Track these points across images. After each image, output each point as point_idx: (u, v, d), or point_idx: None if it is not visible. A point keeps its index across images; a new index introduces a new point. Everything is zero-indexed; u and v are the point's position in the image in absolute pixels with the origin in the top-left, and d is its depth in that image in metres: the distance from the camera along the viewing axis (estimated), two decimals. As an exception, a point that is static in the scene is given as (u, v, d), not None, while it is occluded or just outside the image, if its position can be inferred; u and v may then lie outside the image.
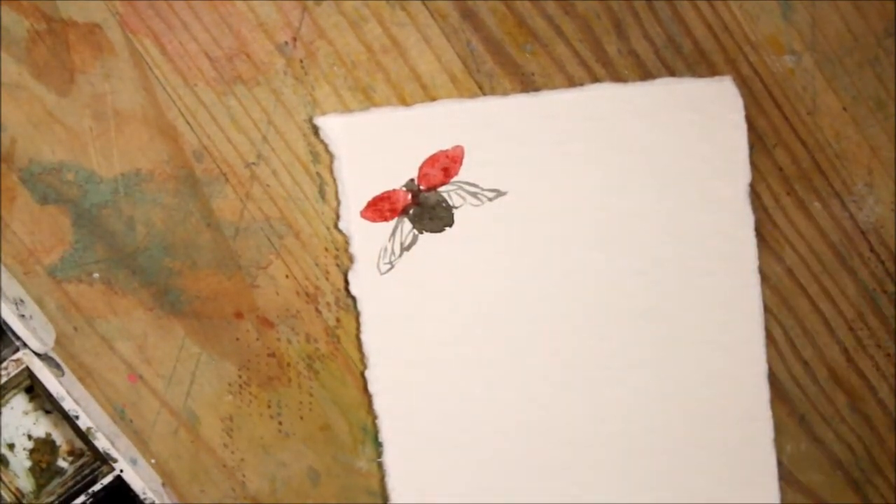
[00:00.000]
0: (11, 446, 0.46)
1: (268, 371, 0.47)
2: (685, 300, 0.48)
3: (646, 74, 0.48)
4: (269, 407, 0.47)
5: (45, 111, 0.45)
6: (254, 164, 0.46)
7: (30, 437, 0.46)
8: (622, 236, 0.48)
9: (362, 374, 0.47)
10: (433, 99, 0.47)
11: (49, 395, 0.43)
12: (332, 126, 0.46)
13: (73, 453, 0.46)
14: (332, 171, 0.46)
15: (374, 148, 0.46)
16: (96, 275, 0.46)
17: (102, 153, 0.45)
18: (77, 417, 0.43)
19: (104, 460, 0.44)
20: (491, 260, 0.47)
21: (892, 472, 0.50)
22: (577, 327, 0.48)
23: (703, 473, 0.48)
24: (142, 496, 0.44)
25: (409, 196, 0.47)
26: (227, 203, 0.46)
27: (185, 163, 0.46)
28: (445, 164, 0.47)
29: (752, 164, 0.48)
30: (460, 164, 0.47)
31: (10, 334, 0.43)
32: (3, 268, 0.45)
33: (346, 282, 0.47)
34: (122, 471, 0.44)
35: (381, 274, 0.47)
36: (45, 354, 0.44)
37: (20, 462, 0.46)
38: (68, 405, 0.43)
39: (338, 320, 0.47)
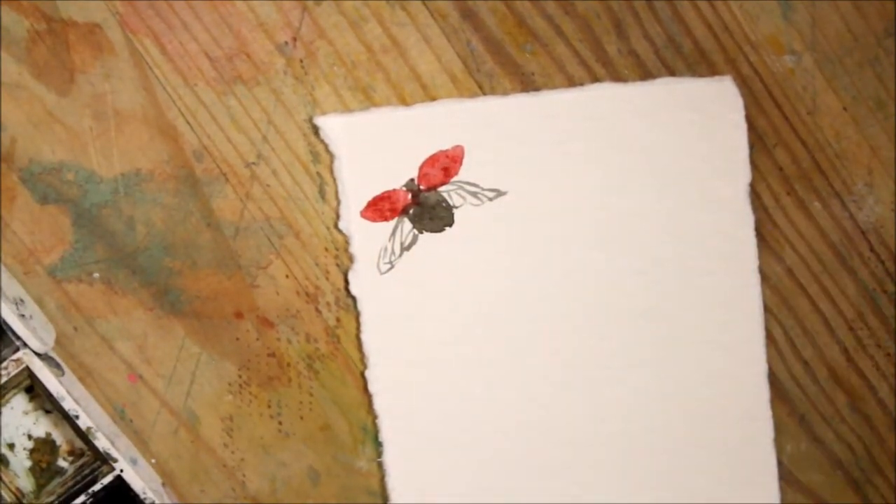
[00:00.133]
0: (11, 446, 0.46)
1: (268, 371, 0.47)
2: (685, 300, 0.48)
3: (646, 74, 0.48)
4: (269, 407, 0.47)
5: (45, 111, 0.45)
6: (254, 163, 0.46)
7: (30, 436, 0.46)
8: (622, 236, 0.48)
9: (362, 374, 0.47)
10: (433, 99, 0.47)
11: (49, 395, 0.43)
12: (332, 126, 0.46)
13: (74, 453, 0.46)
14: (332, 171, 0.46)
15: (374, 148, 0.46)
16: (96, 275, 0.46)
17: (102, 153, 0.45)
18: (77, 417, 0.43)
19: (104, 460, 0.44)
20: (491, 260, 0.47)
21: (892, 471, 0.50)
22: (577, 327, 0.48)
23: (703, 473, 0.48)
24: (142, 496, 0.44)
25: (410, 196, 0.47)
26: (227, 203, 0.46)
27: (186, 163, 0.46)
28: (445, 164, 0.47)
29: (753, 164, 0.48)
30: (460, 163, 0.47)
31: (10, 334, 0.43)
32: (3, 267, 0.45)
33: (346, 282, 0.47)
34: (122, 471, 0.44)
35: (381, 274, 0.47)
36: (46, 354, 0.44)
37: (20, 462, 0.46)
38: (68, 405, 0.43)
39: (338, 320, 0.47)
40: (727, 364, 0.48)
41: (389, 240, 0.46)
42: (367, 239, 0.46)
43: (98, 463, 0.45)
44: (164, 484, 0.46)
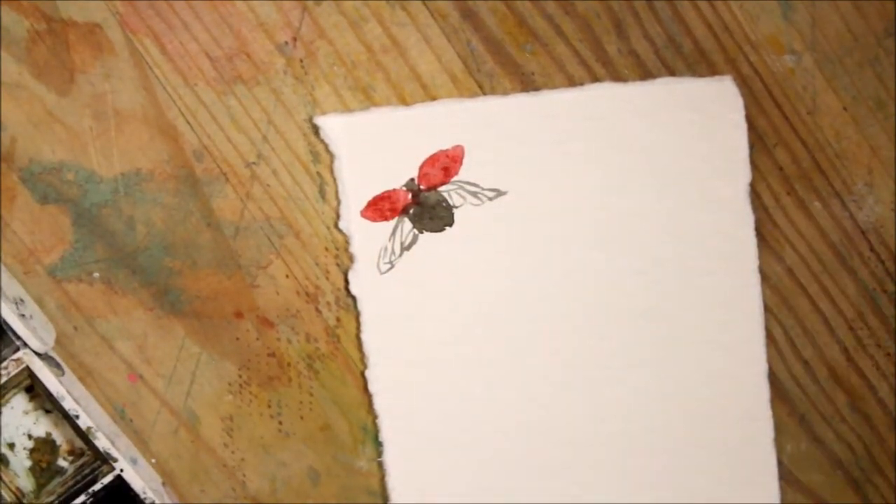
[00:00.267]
0: (12, 446, 0.46)
1: (268, 371, 0.47)
2: (685, 300, 0.48)
3: (646, 74, 0.48)
4: (269, 407, 0.47)
5: (45, 111, 0.45)
6: (254, 163, 0.46)
7: (30, 436, 0.46)
8: (622, 236, 0.48)
9: (362, 374, 0.47)
10: (433, 99, 0.47)
11: (49, 395, 0.43)
12: (333, 126, 0.46)
13: (74, 453, 0.46)
14: (332, 171, 0.46)
15: (374, 147, 0.46)
16: (96, 274, 0.46)
17: (102, 153, 0.45)
18: (77, 417, 0.43)
19: (104, 460, 0.44)
20: (491, 259, 0.47)
21: (892, 471, 0.50)
22: (577, 327, 0.48)
23: (703, 473, 0.48)
24: (142, 496, 0.44)
25: (410, 196, 0.47)
26: (227, 203, 0.46)
27: (186, 162, 0.46)
28: (446, 164, 0.47)
29: (753, 164, 0.48)
30: (460, 163, 0.47)
31: (10, 334, 0.43)
32: (3, 267, 0.45)
33: (347, 281, 0.47)
34: (122, 470, 0.44)
35: (382, 273, 0.47)
36: (46, 354, 0.44)
37: (20, 461, 0.46)
38: (68, 405, 0.43)
39: (338, 320, 0.47)
40: (727, 364, 0.48)
41: (389, 239, 0.46)
42: (368, 239, 0.46)
43: (98, 463, 0.45)
44: (164, 484, 0.46)
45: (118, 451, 0.44)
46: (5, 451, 0.46)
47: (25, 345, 0.43)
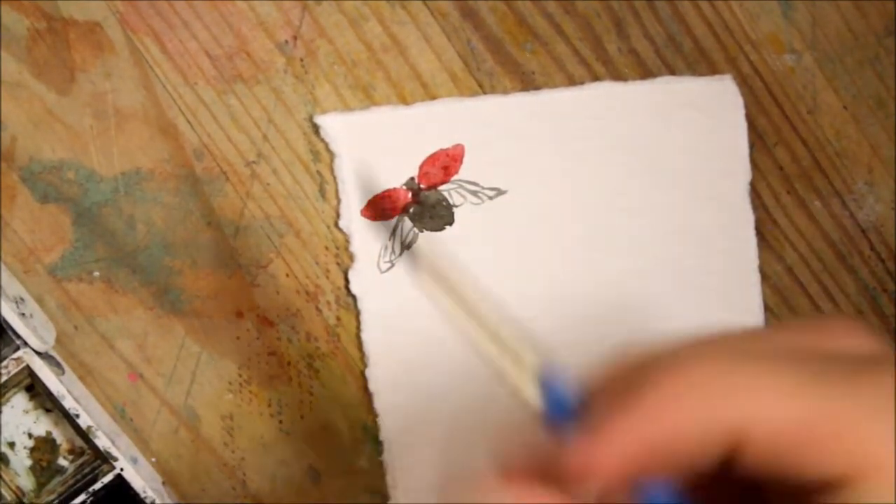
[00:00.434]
0: (12, 445, 0.46)
1: (268, 370, 0.47)
2: (685, 299, 0.48)
3: (646, 73, 0.48)
4: (269, 406, 0.47)
5: (45, 110, 0.45)
6: (254, 162, 0.46)
7: (30, 435, 0.46)
8: (622, 235, 0.48)
9: (363, 373, 0.47)
10: (433, 97, 0.47)
11: (49, 394, 0.43)
12: (333, 124, 0.46)
13: (74, 452, 0.46)
14: (332, 170, 0.46)
15: (374, 146, 0.46)
16: (96, 273, 0.46)
17: (103, 152, 0.45)
18: (77, 416, 0.43)
19: (105, 459, 0.44)
20: (491, 258, 0.47)
21: (892, 470, 0.50)
22: (578, 326, 0.48)
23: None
24: (142, 495, 0.44)
25: (410, 194, 0.47)
26: (227, 202, 0.46)
27: (186, 161, 0.46)
28: (446, 163, 0.47)
29: (753, 163, 0.48)
30: (461, 162, 0.47)
31: (10, 333, 0.43)
32: (3, 266, 0.45)
33: (347, 280, 0.47)
34: (122, 469, 0.44)
35: (382, 272, 0.47)
36: (46, 353, 0.44)
37: (21, 460, 0.46)
38: (69, 404, 0.43)
39: (338, 319, 0.47)
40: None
41: (390, 238, 0.46)
42: (368, 238, 0.46)
43: (98, 462, 0.45)
44: (164, 483, 0.46)
45: (118, 450, 0.44)
46: (5, 449, 0.46)
47: (26, 344, 0.43)
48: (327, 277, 0.47)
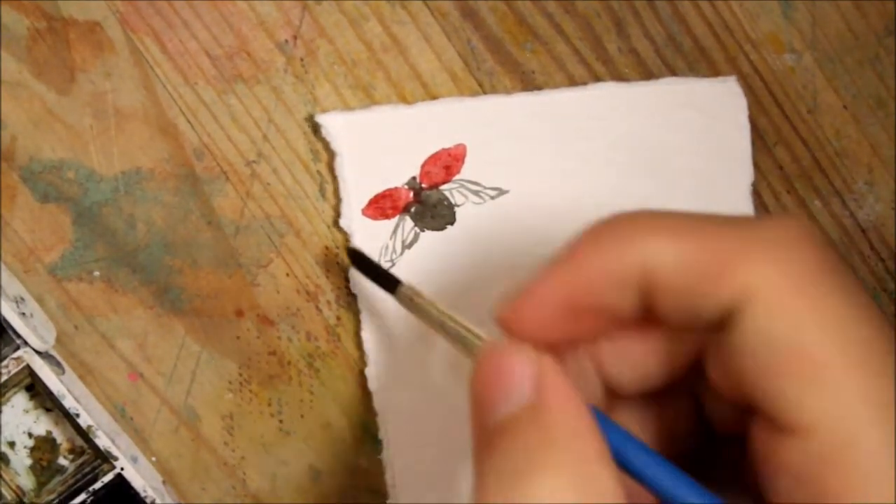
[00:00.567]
0: (12, 444, 0.46)
1: (268, 369, 0.47)
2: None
3: (646, 73, 0.48)
4: (269, 405, 0.47)
5: (45, 109, 0.45)
6: (254, 162, 0.46)
7: (30, 435, 0.46)
8: (623, 235, 0.48)
9: (363, 373, 0.47)
10: (433, 97, 0.47)
11: (49, 394, 0.43)
12: (334, 123, 0.46)
13: (74, 451, 0.46)
14: (332, 170, 0.46)
15: (375, 145, 0.46)
16: (97, 273, 0.46)
17: (103, 151, 0.45)
18: (77, 415, 0.43)
19: (105, 458, 0.44)
20: (492, 258, 0.47)
21: (891, 470, 0.50)
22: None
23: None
24: (142, 494, 0.44)
25: (411, 194, 0.47)
26: (227, 201, 0.46)
27: (186, 161, 0.46)
28: (447, 163, 0.47)
29: (753, 163, 0.48)
30: (462, 162, 0.47)
31: (10, 332, 0.43)
32: (3, 266, 0.45)
33: (347, 280, 0.47)
34: (122, 469, 0.44)
35: (382, 272, 0.47)
36: (46, 353, 0.44)
37: (21, 460, 0.46)
38: (69, 403, 0.43)
39: (338, 318, 0.47)
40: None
41: (391, 238, 0.46)
42: (368, 237, 0.46)
43: (98, 461, 0.45)
44: (164, 482, 0.46)
45: (118, 449, 0.44)
46: (6, 449, 0.46)
47: (26, 343, 0.43)
48: (327, 277, 0.47)
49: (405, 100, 0.47)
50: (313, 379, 0.47)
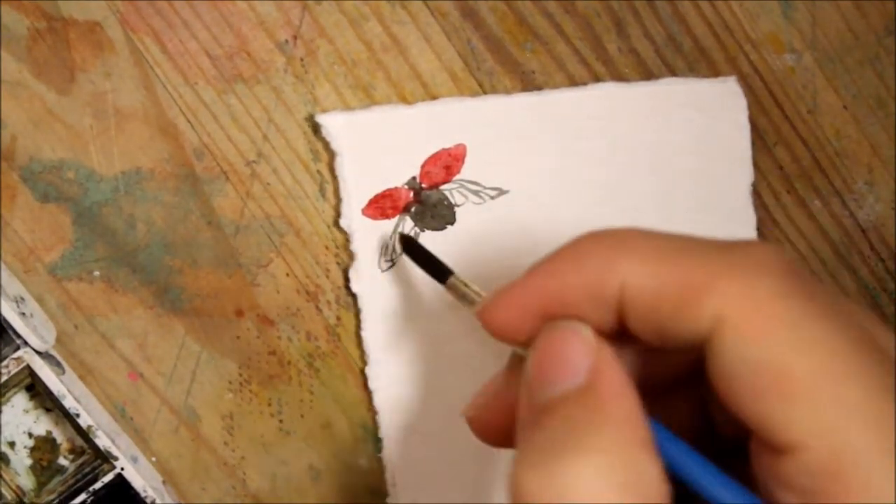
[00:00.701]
0: (12, 444, 0.46)
1: (268, 369, 0.47)
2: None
3: (646, 73, 0.48)
4: (269, 405, 0.47)
5: (45, 109, 0.45)
6: (254, 162, 0.46)
7: (30, 435, 0.46)
8: (623, 235, 0.48)
9: (363, 372, 0.47)
10: (433, 97, 0.47)
11: (50, 394, 0.43)
12: (334, 123, 0.46)
13: (74, 451, 0.46)
14: (332, 170, 0.46)
15: (375, 145, 0.46)
16: (97, 273, 0.46)
17: (103, 151, 0.45)
18: (78, 415, 0.43)
19: (105, 458, 0.44)
20: (493, 258, 0.47)
21: (891, 469, 0.50)
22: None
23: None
24: (142, 494, 0.44)
25: (411, 194, 0.47)
26: (227, 201, 0.46)
27: (186, 161, 0.46)
28: (447, 163, 0.47)
29: (753, 163, 0.48)
30: (462, 162, 0.47)
31: (10, 332, 0.43)
32: (3, 266, 0.45)
33: (347, 279, 0.47)
34: (122, 469, 0.44)
35: (382, 271, 0.47)
36: (46, 353, 0.44)
37: (21, 460, 0.46)
38: (69, 403, 0.43)
39: (338, 318, 0.47)
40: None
41: (391, 238, 0.46)
42: (368, 237, 0.46)
43: (99, 461, 0.45)
44: (164, 482, 0.46)
45: (119, 449, 0.44)
46: (6, 449, 0.46)
47: (26, 343, 0.43)
48: (327, 277, 0.47)
49: (405, 100, 0.47)
50: (313, 379, 0.47)
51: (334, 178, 0.46)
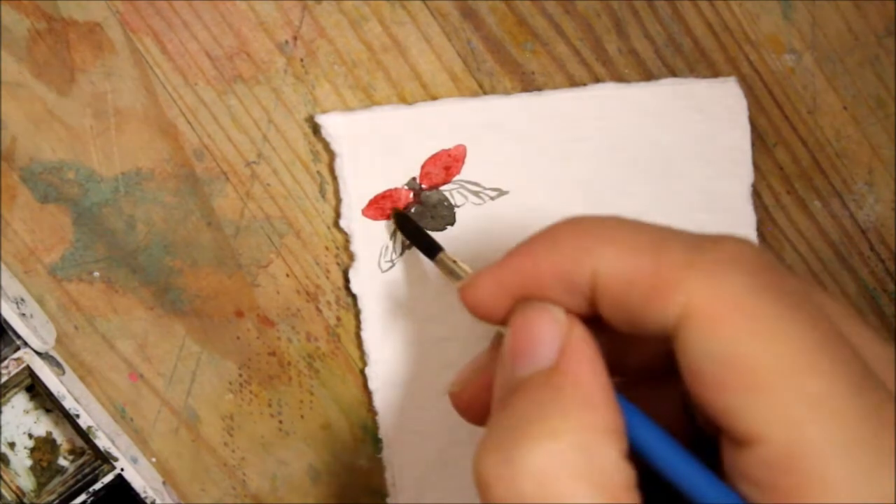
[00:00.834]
0: (12, 445, 0.46)
1: (268, 370, 0.47)
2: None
3: (646, 73, 0.48)
4: (269, 406, 0.47)
5: (45, 110, 0.45)
6: (254, 162, 0.46)
7: (30, 435, 0.46)
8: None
9: (362, 373, 0.47)
10: (433, 98, 0.47)
11: (50, 394, 0.43)
12: (334, 124, 0.46)
13: (74, 452, 0.46)
14: (332, 170, 0.46)
15: (375, 146, 0.46)
16: (97, 273, 0.46)
17: (103, 152, 0.45)
18: (78, 416, 0.43)
19: (105, 459, 0.44)
20: (493, 259, 0.47)
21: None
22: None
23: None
24: (142, 495, 0.44)
25: (411, 195, 0.47)
26: (227, 202, 0.46)
27: (186, 161, 0.46)
28: (447, 163, 0.47)
29: (753, 163, 0.48)
30: (462, 162, 0.47)
31: (10, 333, 0.43)
32: (3, 266, 0.45)
33: (347, 280, 0.47)
34: (122, 469, 0.44)
35: (383, 272, 0.47)
36: (46, 353, 0.44)
37: (21, 461, 0.46)
38: (69, 404, 0.43)
39: (338, 319, 0.47)
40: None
41: (391, 238, 0.46)
42: (368, 237, 0.46)
43: (99, 462, 0.45)
44: (164, 483, 0.46)
45: (119, 450, 0.44)
46: (6, 450, 0.46)
47: (26, 344, 0.43)
48: (327, 277, 0.47)
49: (405, 100, 0.47)
50: (313, 379, 0.47)
51: (334, 178, 0.46)
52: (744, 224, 0.48)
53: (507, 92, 0.47)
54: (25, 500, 0.46)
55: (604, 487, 0.26)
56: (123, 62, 0.45)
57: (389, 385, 0.47)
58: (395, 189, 0.47)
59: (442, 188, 0.47)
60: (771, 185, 0.49)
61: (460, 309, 0.33)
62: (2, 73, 0.45)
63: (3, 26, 0.44)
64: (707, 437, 0.30)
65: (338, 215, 0.47)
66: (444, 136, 0.46)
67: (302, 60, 0.46)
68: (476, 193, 0.47)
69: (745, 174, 0.48)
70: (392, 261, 0.47)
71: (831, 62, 0.49)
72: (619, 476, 0.26)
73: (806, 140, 0.49)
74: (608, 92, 0.47)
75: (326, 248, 0.47)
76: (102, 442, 0.43)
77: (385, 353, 0.47)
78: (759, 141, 0.48)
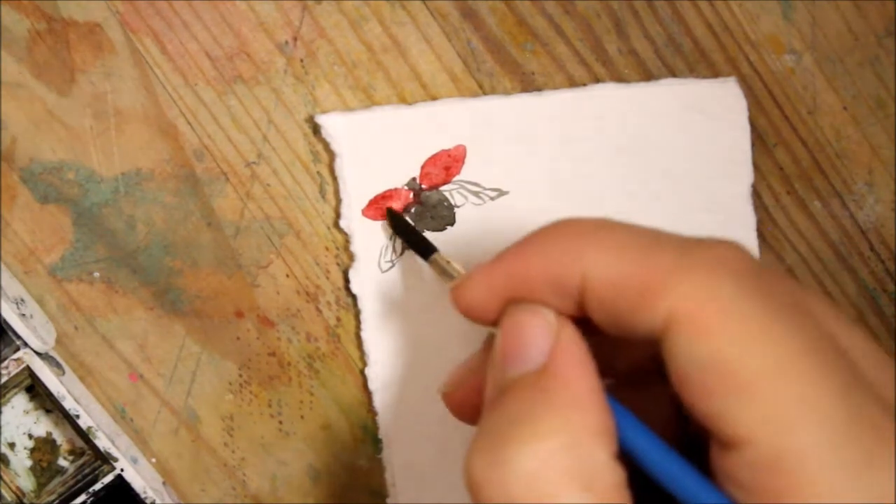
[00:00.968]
0: (12, 445, 0.46)
1: (268, 370, 0.47)
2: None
3: (646, 73, 0.48)
4: (269, 406, 0.47)
5: (45, 110, 0.45)
6: (254, 163, 0.46)
7: (30, 436, 0.46)
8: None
9: (362, 373, 0.47)
10: (433, 98, 0.47)
11: (50, 395, 0.43)
12: (334, 124, 0.46)
13: (74, 452, 0.46)
14: (332, 170, 0.46)
15: (375, 146, 0.46)
16: (97, 274, 0.46)
17: (103, 152, 0.45)
18: (78, 416, 0.43)
19: (105, 459, 0.44)
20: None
21: (891, 470, 0.50)
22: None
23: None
24: (142, 495, 0.44)
25: (411, 195, 0.47)
26: (227, 202, 0.46)
27: (186, 162, 0.46)
28: (447, 163, 0.47)
29: (753, 164, 0.48)
30: (462, 162, 0.47)
31: (10, 333, 0.43)
32: (3, 267, 0.45)
33: (347, 280, 0.47)
34: (122, 470, 0.44)
35: (382, 272, 0.47)
36: (46, 353, 0.44)
37: (21, 461, 0.46)
38: (69, 404, 0.43)
39: (338, 319, 0.47)
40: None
41: (391, 238, 0.46)
42: (368, 237, 0.46)
43: (99, 462, 0.45)
44: (164, 483, 0.46)
45: (118, 450, 0.44)
46: (6, 450, 0.46)
47: (26, 344, 0.43)
48: (327, 278, 0.47)
49: (405, 100, 0.47)
50: (313, 380, 0.47)
51: (334, 178, 0.46)
52: (744, 224, 0.48)
53: (507, 92, 0.47)
54: (25, 501, 0.46)
55: (593, 488, 0.26)
56: (123, 62, 0.45)
57: (389, 385, 0.47)
58: (395, 189, 0.47)
59: (442, 188, 0.47)
60: (771, 186, 0.49)
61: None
62: (2, 73, 0.45)
63: (3, 26, 0.44)
64: (698, 439, 0.30)
65: (338, 215, 0.47)
66: (444, 137, 0.46)
67: (302, 61, 0.46)
68: (476, 194, 0.47)
69: (745, 174, 0.48)
70: (392, 261, 0.47)
71: (831, 62, 0.49)
72: (608, 477, 0.27)
73: (806, 140, 0.49)
74: (608, 92, 0.47)
75: (326, 249, 0.47)
76: (102, 442, 0.43)
77: (385, 354, 0.47)
78: (759, 141, 0.48)
